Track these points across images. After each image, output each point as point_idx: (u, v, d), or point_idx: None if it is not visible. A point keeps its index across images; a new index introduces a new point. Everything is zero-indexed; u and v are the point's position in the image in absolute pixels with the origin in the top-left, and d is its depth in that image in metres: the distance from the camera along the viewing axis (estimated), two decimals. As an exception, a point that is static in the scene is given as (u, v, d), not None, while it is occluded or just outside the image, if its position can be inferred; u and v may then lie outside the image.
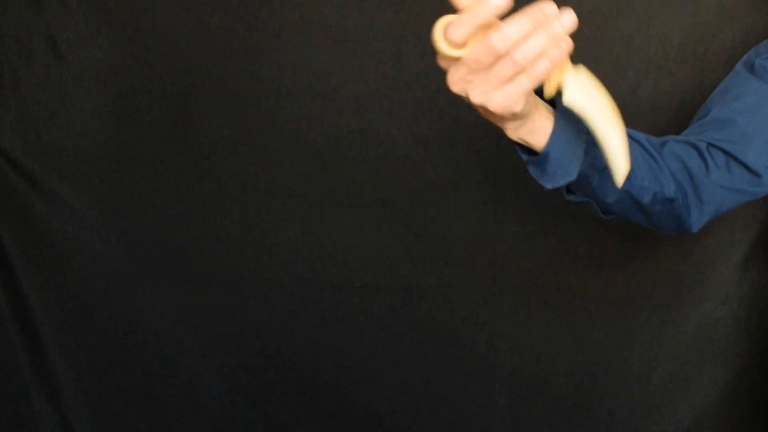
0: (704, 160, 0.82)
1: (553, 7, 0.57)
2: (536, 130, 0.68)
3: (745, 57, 0.92)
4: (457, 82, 0.63)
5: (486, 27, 0.57)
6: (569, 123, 0.69)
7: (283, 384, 1.26)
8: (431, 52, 1.18)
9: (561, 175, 0.71)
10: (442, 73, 1.19)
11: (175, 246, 1.21)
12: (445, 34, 0.58)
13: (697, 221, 0.82)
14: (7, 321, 1.23)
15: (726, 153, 0.82)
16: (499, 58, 0.58)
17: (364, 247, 1.19)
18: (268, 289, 1.22)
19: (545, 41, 0.58)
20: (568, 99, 0.63)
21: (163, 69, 1.14)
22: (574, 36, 1.15)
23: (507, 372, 1.23)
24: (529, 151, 0.71)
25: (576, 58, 1.13)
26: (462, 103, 1.17)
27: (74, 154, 1.18)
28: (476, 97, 0.62)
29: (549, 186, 0.73)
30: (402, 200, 1.17)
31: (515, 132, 0.68)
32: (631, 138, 0.77)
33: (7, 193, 1.19)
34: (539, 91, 0.65)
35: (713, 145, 0.82)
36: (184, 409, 1.28)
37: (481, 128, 1.12)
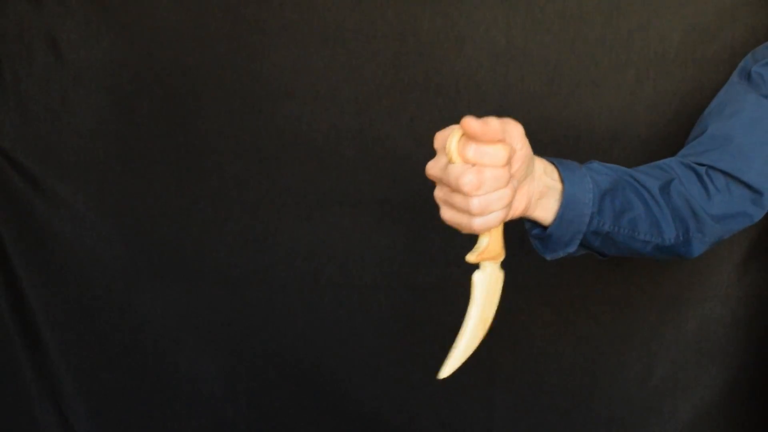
0: (704, 185, 0.82)
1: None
2: (540, 217, 0.70)
3: (741, 63, 0.91)
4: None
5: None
6: (576, 202, 0.70)
7: (283, 384, 1.26)
8: (431, 52, 1.18)
9: (561, 249, 0.74)
10: (442, 74, 1.19)
11: (175, 246, 1.21)
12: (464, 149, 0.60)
13: (697, 249, 0.83)
14: (7, 321, 1.23)
15: (725, 174, 0.82)
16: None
17: (364, 247, 1.19)
18: (268, 289, 1.22)
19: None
20: (475, 278, 0.70)
21: (163, 69, 1.14)
22: (575, 36, 1.15)
23: (507, 372, 1.23)
24: (532, 221, 0.73)
25: (576, 57, 1.13)
26: (461, 102, 1.18)
27: (74, 154, 1.18)
28: (447, 220, 0.67)
29: (549, 258, 0.75)
30: (402, 200, 1.17)
31: (530, 213, 0.70)
32: (636, 187, 0.78)
33: (7, 193, 1.19)
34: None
35: (712, 168, 0.82)
36: (184, 409, 1.28)
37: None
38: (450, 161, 0.61)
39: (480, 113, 1.18)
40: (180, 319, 1.24)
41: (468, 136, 0.59)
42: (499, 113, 1.16)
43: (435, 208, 1.15)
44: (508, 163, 0.60)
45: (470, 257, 0.67)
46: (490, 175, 0.59)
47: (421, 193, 1.18)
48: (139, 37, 1.14)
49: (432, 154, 1.14)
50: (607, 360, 1.22)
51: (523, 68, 1.10)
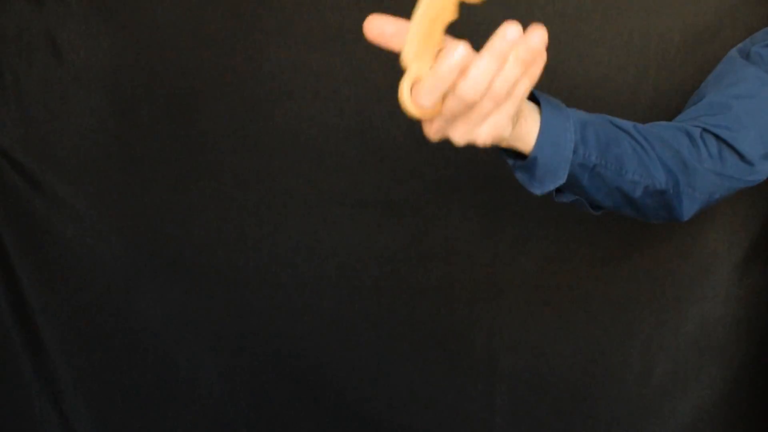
0: (696, 147, 0.80)
1: (516, 29, 0.54)
2: (522, 136, 0.67)
3: (740, 45, 0.91)
4: (435, 132, 0.61)
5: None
6: (556, 123, 0.68)
7: (283, 384, 1.26)
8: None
9: (550, 179, 0.70)
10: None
11: (175, 246, 1.21)
12: (415, 100, 0.56)
13: (688, 209, 0.81)
14: (7, 321, 1.23)
15: (719, 139, 0.81)
16: (475, 103, 0.56)
17: (364, 247, 1.19)
18: (268, 289, 1.22)
19: (518, 70, 0.55)
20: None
21: (163, 69, 1.14)
22: (575, 36, 1.16)
23: (507, 372, 1.23)
24: (515, 155, 0.70)
25: (576, 57, 1.13)
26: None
27: (74, 154, 1.18)
28: (461, 138, 0.60)
29: (538, 192, 0.72)
30: (402, 200, 1.17)
31: (514, 133, 0.67)
32: (618, 128, 0.76)
33: (7, 193, 1.19)
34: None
35: (707, 131, 0.81)
36: (184, 409, 1.28)
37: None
38: (412, 116, 0.56)
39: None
40: (180, 319, 1.24)
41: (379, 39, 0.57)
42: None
43: (435, 208, 1.16)
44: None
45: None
46: (480, 66, 0.55)
47: (421, 193, 1.18)
48: (139, 37, 1.14)
49: (432, 154, 1.14)
50: (607, 360, 1.22)
51: (523, 68, 1.10)
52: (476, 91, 0.55)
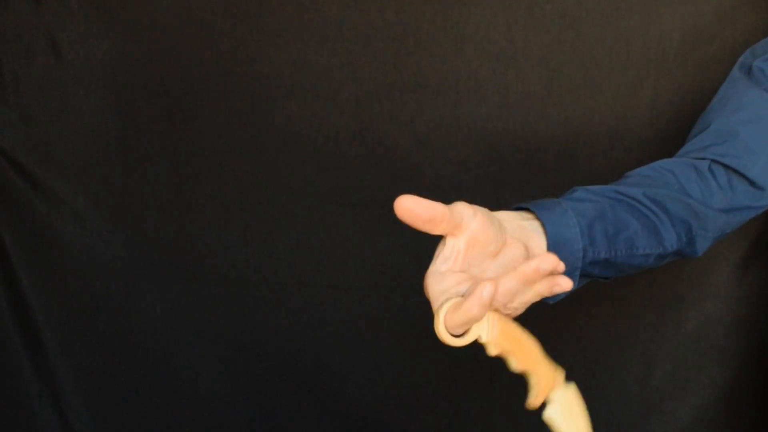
0: (705, 181, 0.81)
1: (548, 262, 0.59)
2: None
3: (741, 59, 0.91)
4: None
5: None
6: (563, 242, 0.69)
7: (283, 384, 1.26)
8: (431, 51, 1.18)
9: (560, 294, 0.73)
10: (442, 73, 1.19)
11: (175, 246, 1.21)
12: (448, 329, 0.61)
13: (702, 247, 0.81)
14: (7, 321, 1.23)
15: (728, 168, 0.81)
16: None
17: (364, 247, 1.19)
18: (268, 289, 1.22)
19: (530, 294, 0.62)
20: (548, 416, 0.66)
21: (163, 69, 1.14)
22: (575, 36, 1.15)
23: (507, 372, 1.23)
24: None
25: (576, 57, 1.13)
26: (461, 102, 1.18)
27: (74, 154, 1.18)
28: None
29: (552, 302, 0.75)
30: (402, 200, 1.17)
31: None
32: (626, 198, 0.76)
33: (7, 193, 1.19)
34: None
35: (716, 161, 0.81)
36: (184, 409, 1.28)
37: (480, 128, 1.12)
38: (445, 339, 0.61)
39: (480, 113, 1.19)
40: (180, 319, 1.24)
41: (412, 220, 0.60)
42: (499, 113, 1.17)
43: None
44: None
45: (534, 402, 0.66)
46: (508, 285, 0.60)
47: (421, 193, 1.18)
48: (139, 37, 1.13)
49: (432, 154, 1.13)
50: (607, 360, 1.22)
51: (523, 68, 1.10)
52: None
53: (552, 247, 0.68)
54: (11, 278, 1.22)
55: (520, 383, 1.25)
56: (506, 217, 0.67)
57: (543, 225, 0.68)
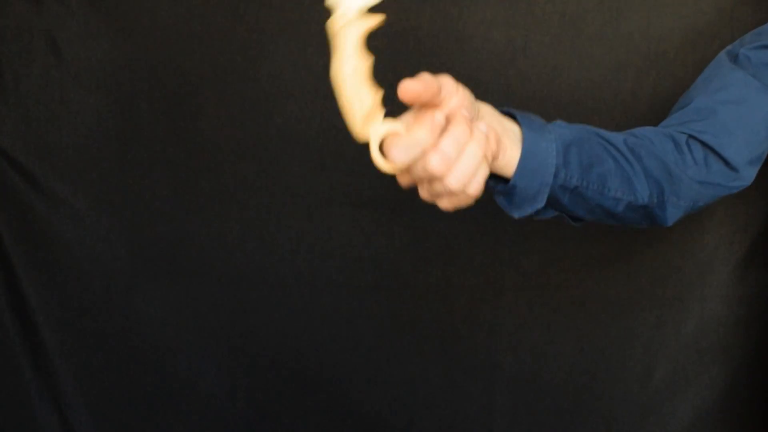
0: (682, 154, 0.80)
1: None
2: (502, 163, 0.67)
3: (729, 47, 0.91)
4: (406, 185, 0.64)
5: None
6: (537, 150, 0.68)
7: (283, 384, 1.26)
8: (431, 51, 1.18)
9: (528, 204, 0.70)
10: (441, 73, 1.19)
11: (175, 246, 1.21)
12: (389, 159, 0.59)
13: (672, 216, 0.81)
14: (7, 321, 1.23)
15: (705, 145, 0.81)
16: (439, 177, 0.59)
17: (363, 247, 1.19)
18: (268, 289, 1.22)
19: (479, 152, 0.58)
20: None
21: (163, 69, 1.14)
22: (575, 36, 1.15)
23: (507, 372, 1.23)
24: (495, 176, 0.70)
25: (576, 57, 1.13)
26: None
27: (74, 154, 1.18)
28: (426, 198, 0.64)
29: (516, 216, 0.72)
30: (402, 200, 1.17)
31: (498, 158, 0.67)
32: (606, 142, 0.76)
33: (7, 193, 1.19)
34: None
35: (693, 137, 0.81)
36: (184, 409, 1.28)
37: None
38: (381, 168, 0.59)
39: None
40: (180, 319, 1.24)
41: (410, 102, 0.58)
42: (499, 113, 1.16)
43: (435, 208, 1.15)
44: (448, 121, 0.58)
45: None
46: (449, 141, 0.57)
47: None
48: (139, 37, 1.14)
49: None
50: (607, 360, 1.22)
51: (523, 68, 1.10)
52: (441, 167, 0.58)
53: (525, 155, 0.67)
54: (11, 278, 1.22)
55: (520, 384, 1.25)
56: (488, 109, 0.66)
57: (522, 131, 0.67)
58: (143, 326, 1.25)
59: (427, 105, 0.60)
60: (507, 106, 0.70)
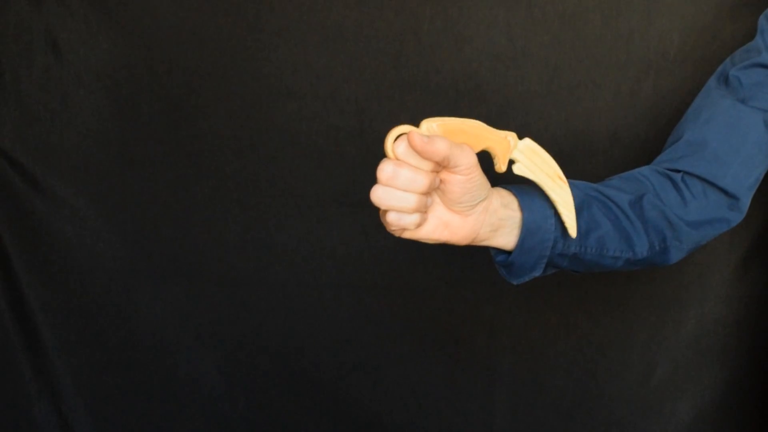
0: (680, 192, 0.82)
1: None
2: (500, 245, 0.72)
3: (720, 68, 0.91)
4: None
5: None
6: (536, 228, 0.71)
7: (283, 384, 1.26)
8: (431, 52, 1.18)
9: (527, 274, 0.75)
10: (442, 74, 1.19)
11: (175, 246, 1.21)
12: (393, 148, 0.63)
13: (675, 257, 0.83)
14: (7, 321, 1.23)
15: (702, 180, 0.82)
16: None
17: (363, 247, 1.19)
18: (268, 289, 1.22)
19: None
20: (518, 170, 0.69)
21: (163, 69, 1.14)
22: (575, 36, 1.15)
23: (507, 372, 1.23)
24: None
25: (576, 57, 1.13)
26: (461, 102, 1.18)
27: (74, 154, 1.18)
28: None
29: (516, 283, 0.76)
30: (402, 200, 1.17)
31: (485, 243, 0.71)
32: (609, 202, 0.78)
33: (7, 193, 1.19)
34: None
35: (688, 173, 0.82)
36: (184, 409, 1.28)
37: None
38: (387, 155, 0.63)
39: (480, 113, 1.19)
40: (180, 319, 1.24)
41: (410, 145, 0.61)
42: (499, 113, 1.17)
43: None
44: (432, 178, 0.62)
45: (500, 167, 0.69)
46: (407, 173, 0.61)
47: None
48: (139, 37, 1.14)
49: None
50: (607, 360, 1.22)
51: (523, 68, 1.10)
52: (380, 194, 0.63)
53: (525, 232, 0.71)
54: (11, 278, 1.22)
55: (520, 384, 1.25)
56: (497, 205, 0.70)
57: (521, 209, 0.71)
58: (143, 326, 1.25)
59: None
60: (504, 185, 0.74)
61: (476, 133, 0.67)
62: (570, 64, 1.10)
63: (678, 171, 0.83)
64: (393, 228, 0.65)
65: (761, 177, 0.86)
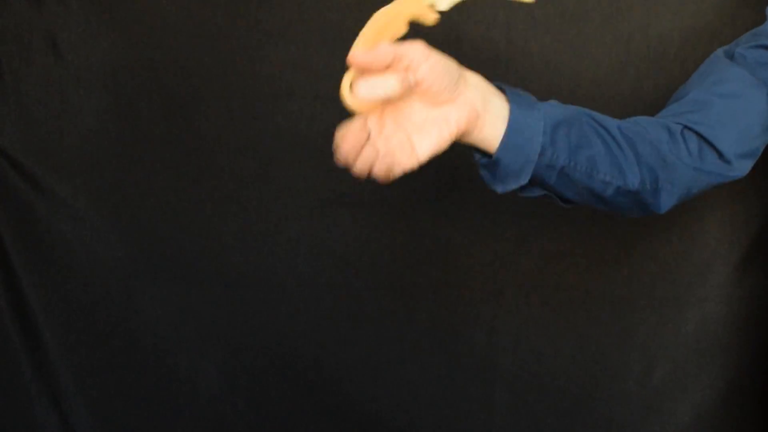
0: (676, 143, 0.80)
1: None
2: (487, 136, 0.68)
3: (725, 47, 0.91)
4: None
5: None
6: (524, 125, 0.68)
7: (283, 384, 1.26)
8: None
9: (512, 180, 0.71)
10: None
11: (175, 246, 1.21)
12: (353, 95, 0.63)
13: (666, 203, 0.80)
14: (7, 321, 1.23)
15: (700, 136, 0.81)
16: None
17: (364, 247, 1.19)
18: (268, 289, 1.22)
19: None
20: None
21: (163, 69, 1.14)
22: (575, 36, 1.15)
23: (507, 372, 1.23)
24: (480, 151, 0.70)
25: (576, 57, 1.13)
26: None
27: (74, 154, 1.18)
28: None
29: (500, 190, 0.73)
30: (402, 200, 1.17)
31: (466, 138, 0.68)
32: (599, 125, 0.76)
33: (7, 193, 1.19)
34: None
35: (688, 128, 0.81)
36: (184, 409, 1.28)
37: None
38: (349, 109, 0.63)
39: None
40: (180, 319, 1.24)
41: (360, 71, 0.61)
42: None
43: (435, 208, 1.16)
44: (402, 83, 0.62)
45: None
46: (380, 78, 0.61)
47: (421, 193, 1.18)
48: (139, 37, 1.13)
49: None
50: (607, 360, 1.22)
51: (523, 68, 1.10)
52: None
53: (510, 130, 0.68)
54: (11, 278, 1.22)
55: (519, 384, 1.25)
56: (475, 80, 0.68)
57: (509, 107, 0.68)
58: (143, 326, 1.25)
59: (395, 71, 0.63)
60: (498, 83, 0.71)
61: (389, 17, 0.64)
62: (570, 64, 1.10)
63: (679, 124, 0.82)
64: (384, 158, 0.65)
65: (758, 152, 0.85)
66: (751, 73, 0.84)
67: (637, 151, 0.77)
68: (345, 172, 1.17)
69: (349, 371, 1.25)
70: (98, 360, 1.26)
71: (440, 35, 1.10)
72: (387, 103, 0.65)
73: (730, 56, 0.88)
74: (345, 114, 1.14)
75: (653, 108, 1.10)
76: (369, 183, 1.17)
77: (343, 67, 1.12)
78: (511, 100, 0.69)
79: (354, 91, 0.62)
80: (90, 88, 1.16)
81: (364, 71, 0.61)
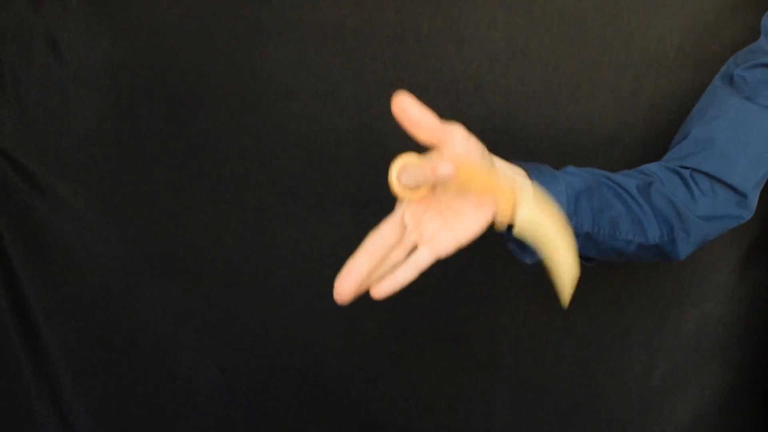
0: (689, 188, 0.82)
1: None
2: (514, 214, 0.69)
3: (723, 68, 0.91)
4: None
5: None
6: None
7: (283, 384, 1.26)
8: (431, 52, 1.18)
9: (531, 255, 0.74)
10: (442, 73, 1.19)
11: (175, 246, 1.21)
12: (399, 177, 0.64)
13: (684, 251, 0.83)
14: (7, 321, 1.23)
15: (710, 177, 0.82)
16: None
17: (364, 247, 1.19)
18: (268, 289, 1.22)
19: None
20: (517, 232, 0.66)
21: (163, 69, 1.14)
22: (575, 36, 1.15)
23: (507, 372, 1.23)
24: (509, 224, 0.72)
25: (576, 57, 1.13)
26: (461, 102, 1.18)
27: (74, 154, 1.18)
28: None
29: (529, 261, 0.76)
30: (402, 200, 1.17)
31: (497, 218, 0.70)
32: (616, 185, 0.78)
33: (7, 193, 1.19)
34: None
35: (697, 170, 0.82)
36: (184, 409, 1.28)
37: (480, 128, 1.12)
38: (398, 197, 0.64)
39: (480, 113, 1.19)
40: (180, 319, 1.24)
41: (403, 120, 0.60)
42: (499, 113, 1.17)
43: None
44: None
45: (498, 225, 0.66)
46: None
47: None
48: (139, 37, 1.14)
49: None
50: (607, 360, 1.22)
51: (523, 68, 1.10)
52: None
53: None
54: (11, 278, 1.22)
55: (520, 384, 1.25)
56: (502, 164, 0.68)
57: (531, 178, 0.70)
58: (143, 326, 1.25)
59: (431, 143, 0.62)
60: (516, 161, 0.72)
61: (483, 177, 0.63)
62: (570, 64, 1.10)
63: (686, 168, 0.83)
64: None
65: (766, 177, 0.86)
66: (752, 97, 0.84)
67: (654, 205, 0.79)
68: (345, 172, 1.17)
69: (349, 371, 1.25)
70: (98, 360, 1.26)
71: (441, 35, 1.10)
72: (431, 190, 0.65)
73: (729, 78, 0.88)
74: (345, 114, 1.14)
75: (653, 108, 1.11)
76: (369, 183, 1.18)
77: (343, 67, 1.13)
78: (532, 177, 0.70)
79: (401, 179, 0.64)
80: (90, 88, 1.16)
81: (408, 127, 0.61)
